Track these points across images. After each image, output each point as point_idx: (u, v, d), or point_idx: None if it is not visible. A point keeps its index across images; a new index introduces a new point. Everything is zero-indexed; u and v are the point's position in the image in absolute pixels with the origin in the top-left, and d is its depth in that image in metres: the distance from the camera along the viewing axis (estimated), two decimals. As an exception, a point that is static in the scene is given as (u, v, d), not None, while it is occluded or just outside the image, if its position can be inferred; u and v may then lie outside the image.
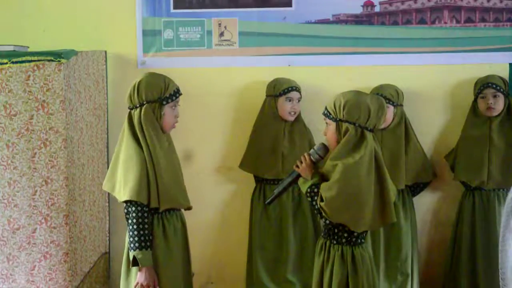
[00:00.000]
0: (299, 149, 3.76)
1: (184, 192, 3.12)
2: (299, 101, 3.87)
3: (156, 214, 2.98)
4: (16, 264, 3.42)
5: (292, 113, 3.84)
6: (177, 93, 3.03)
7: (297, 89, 3.86)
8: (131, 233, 2.91)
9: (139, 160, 2.91)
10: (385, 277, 3.81)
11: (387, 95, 3.74)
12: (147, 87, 2.96)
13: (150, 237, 2.93)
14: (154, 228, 2.97)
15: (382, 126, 3.73)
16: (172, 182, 2.99)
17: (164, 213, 3.01)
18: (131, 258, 2.92)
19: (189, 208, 3.15)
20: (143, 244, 2.89)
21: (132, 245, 2.90)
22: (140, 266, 2.90)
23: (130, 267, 2.96)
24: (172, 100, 3.00)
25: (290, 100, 3.84)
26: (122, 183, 2.92)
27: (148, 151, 2.93)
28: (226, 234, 4.18)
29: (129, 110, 3.01)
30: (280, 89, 3.86)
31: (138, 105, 2.97)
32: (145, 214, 2.91)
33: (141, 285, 2.90)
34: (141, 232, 2.89)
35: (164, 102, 2.98)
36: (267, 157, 3.85)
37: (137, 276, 2.93)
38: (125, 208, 2.97)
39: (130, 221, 2.92)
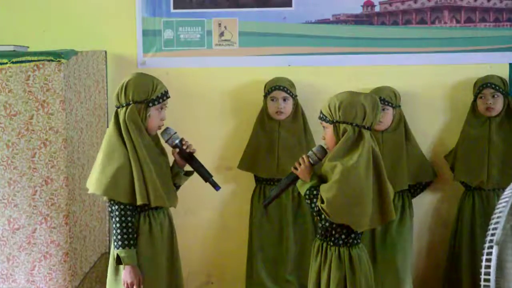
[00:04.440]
0: (294, 149, 3.75)
1: (172, 192, 3.05)
2: (285, 100, 3.82)
3: (142, 212, 2.96)
4: (16, 264, 3.42)
5: (279, 112, 3.82)
6: (164, 95, 2.99)
7: (282, 88, 3.82)
8: (114, 231, 2.90)
9: (121, 158, 2.88)
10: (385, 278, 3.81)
11: (386, 97, 3.73)
12: (134, 87, 2.93)
13: (135, 235, 2.92)
14: (140, 226, 2.95)
15: (382, 128, 3.73)
16: (159, 181, 2.94)
17: (151, 210, 2.98)
18: (114, 256, 2.93)
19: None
20: (126, 242, 2.88)
21: (115, 243, 2.90)
22: (123, 264, 2.90)
23: (114, 265, 2.96)
24: (159, 103, 2.96)
25: (273, 100, 3.83)
26: (99, 177, 2.90)
27: (133, 150, 2.89)
28: (226, 234, 4.18)
29: (116, 109, 2.99)
30: (265, 89, 3.88)
31: (124, 105, 2.94)
32: (128, 212, 2.90)
33: (126, 283, 2.90)
34: (124, 231, 2.88)
35: (151, 104, 2.94)
36: (263, 156, 3.85)
37: (122, 274, 2.93)
38: (108, 206, 2.96)
39: (113, 219, 2.91)
